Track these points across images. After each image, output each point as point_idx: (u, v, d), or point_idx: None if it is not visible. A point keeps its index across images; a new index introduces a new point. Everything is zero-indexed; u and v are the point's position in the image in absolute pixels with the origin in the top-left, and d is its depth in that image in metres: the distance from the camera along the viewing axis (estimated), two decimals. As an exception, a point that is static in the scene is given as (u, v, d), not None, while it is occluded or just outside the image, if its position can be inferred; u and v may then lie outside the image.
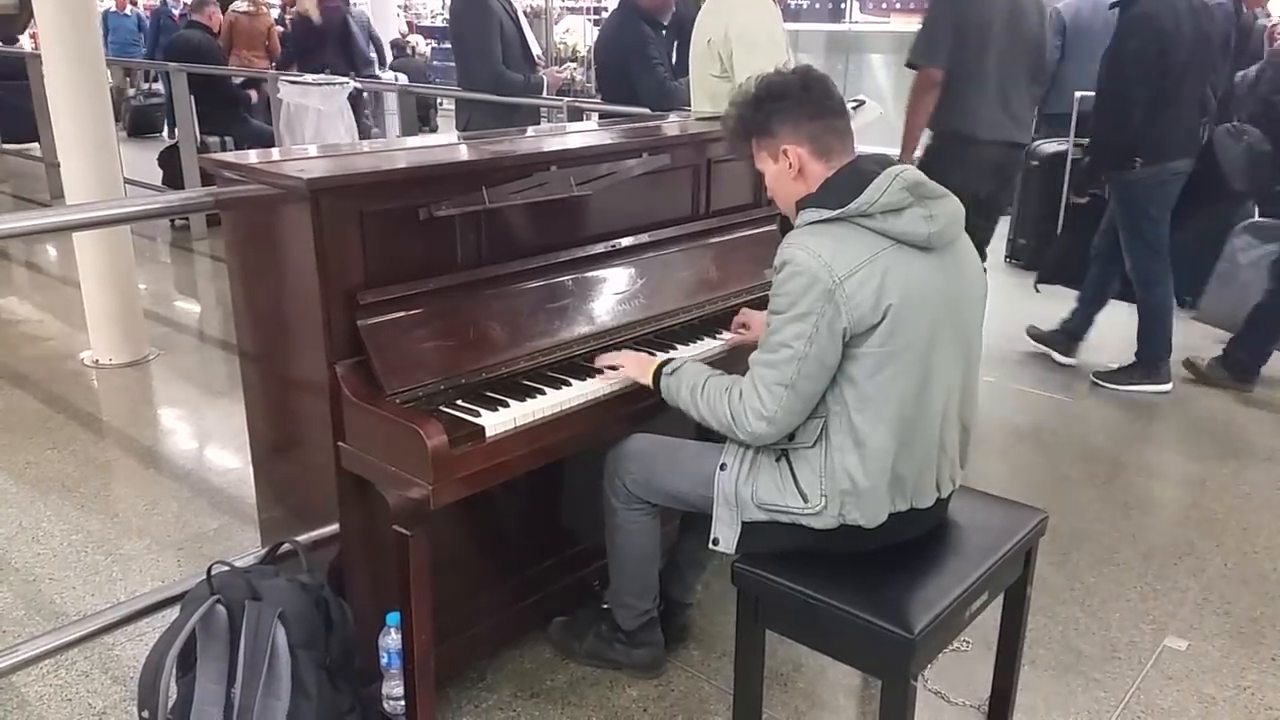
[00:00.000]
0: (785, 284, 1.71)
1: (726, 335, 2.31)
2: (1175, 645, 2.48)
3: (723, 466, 1.89)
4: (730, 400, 1.80)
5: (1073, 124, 5.70)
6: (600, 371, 2.04)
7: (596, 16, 13.52)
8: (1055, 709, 2.24)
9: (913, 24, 7.16)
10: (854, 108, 2.70)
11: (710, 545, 1.92)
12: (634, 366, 2.02)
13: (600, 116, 4.47)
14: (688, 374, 1.91)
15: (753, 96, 1.86)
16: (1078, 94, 5.61)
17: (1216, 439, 3.70)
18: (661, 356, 2.04)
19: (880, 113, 3.18)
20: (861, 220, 1.71)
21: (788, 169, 1.82)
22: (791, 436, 1.80)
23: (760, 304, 2.10)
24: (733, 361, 2.15)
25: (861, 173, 1.75)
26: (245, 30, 7.70)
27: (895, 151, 3.42)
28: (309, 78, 6.05)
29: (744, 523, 1.87)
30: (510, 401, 1.89)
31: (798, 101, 1.81)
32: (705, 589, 2.44)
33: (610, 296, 2.26)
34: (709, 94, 3.44)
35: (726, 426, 1.82)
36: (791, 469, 1.81)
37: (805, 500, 1.79)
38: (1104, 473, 3.43)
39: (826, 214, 1.73)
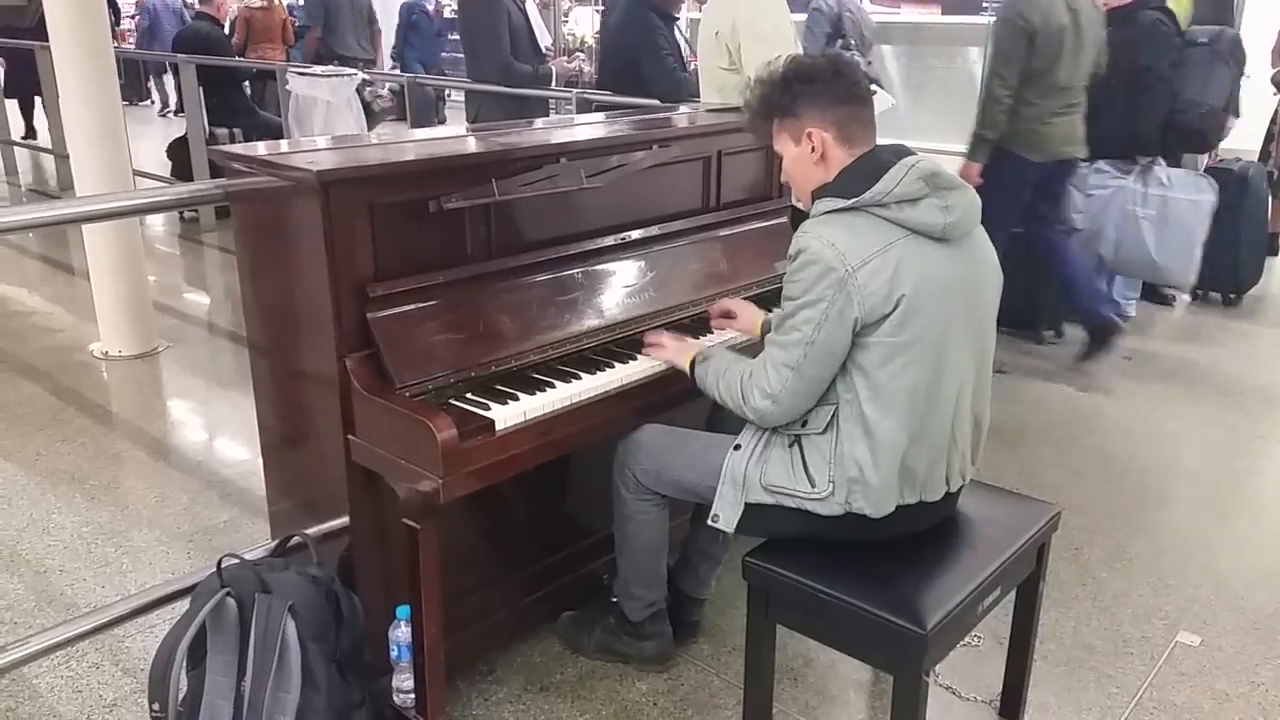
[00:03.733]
0: (799, 272, 1.72)
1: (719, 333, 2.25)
2: (1188, 641, 2.46)
3: (737, 447, 1.90)
4: (743, 378, 1.83)
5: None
6: (610, 366, 2.04)
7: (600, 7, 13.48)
8: (1067, 705, 2.23)
9: (924, 15, 7.12)
10: None
11: (709, 522, 1.92)
12: (673, 350, 2.06)
13: (609, 108, 4.44)
14: (716, 359, 1.94)
15: (780, 77, 1.85)
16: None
17: (1229, 435, 3.67)
18: (698, 344, 2.06)
19: (892, 103, 3.17)
20: (876, 210, 1.71)
21: (810, 153, 1.82)
22: (804, 423, 1.80)
23: (773, 295, 2.08)
24: (753, 351, 2.14)
25: (878, 162, 1.74)
26: (261, 25, 7.72)
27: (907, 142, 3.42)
28: (318, 70, 6.04)
29: (746, 504, 1.87)
30: (520, 395, 1.88)
31: (827, 85, 1.81)
32: (715, 583, 2.43)
33: (620, 289, 2.25)
34: (717, 86, 3.43)
35: (737, 403, 1.84)
36: (803, 454, 1.81)
37: (813, 485, 1.79)
38: (1115, 467, 3.41)
39: (842, 203, 1.73)
